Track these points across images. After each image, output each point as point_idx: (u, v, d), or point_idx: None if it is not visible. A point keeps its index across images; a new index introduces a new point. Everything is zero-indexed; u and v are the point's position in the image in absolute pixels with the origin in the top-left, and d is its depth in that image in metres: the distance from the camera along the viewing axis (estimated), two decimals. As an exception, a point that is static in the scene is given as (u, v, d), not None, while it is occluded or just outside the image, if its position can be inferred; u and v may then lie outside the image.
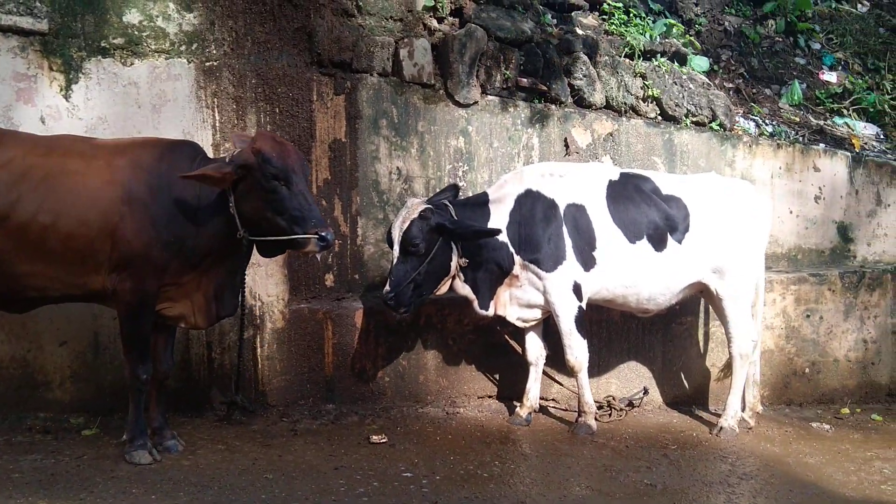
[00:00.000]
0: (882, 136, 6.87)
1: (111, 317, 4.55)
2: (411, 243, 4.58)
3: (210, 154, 4.69)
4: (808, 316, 5.93)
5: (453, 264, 4.77)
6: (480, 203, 4.94)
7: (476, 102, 5.52)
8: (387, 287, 4.61)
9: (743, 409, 5.25)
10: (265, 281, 4.99)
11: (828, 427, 5.40)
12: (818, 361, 5.98)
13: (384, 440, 4.64)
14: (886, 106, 7.01)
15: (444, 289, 4.84)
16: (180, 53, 4.78)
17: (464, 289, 4.88)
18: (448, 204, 4.81)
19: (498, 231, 4.70)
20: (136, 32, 4.70)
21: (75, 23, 4.57)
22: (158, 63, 4.73)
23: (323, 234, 3.83)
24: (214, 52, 4.84)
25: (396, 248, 4.64)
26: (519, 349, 5.38)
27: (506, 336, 5.44)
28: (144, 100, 4.72)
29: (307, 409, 5.08)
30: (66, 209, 3.75)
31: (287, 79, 4.99)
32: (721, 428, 5.11)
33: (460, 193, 5.20)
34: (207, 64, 4.82)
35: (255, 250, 4.13)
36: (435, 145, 5.46)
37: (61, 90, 4.58)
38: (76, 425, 4.52)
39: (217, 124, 4.87)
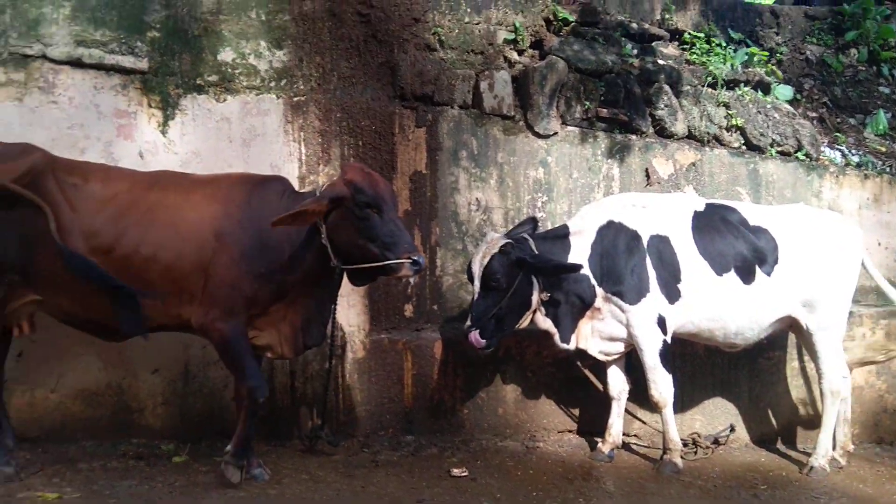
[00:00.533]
0: (975, 166, 6.58)
1: (201, 346, 4.67)
2: (492, 278, 4.57)
3: (296, 186, 4.82)
4: (900, 351, 5.68)
5: (534, 298, 4.74)
6: (561, 236, 4.90)
7: (556, 133, 5.52)
8: (468, 322, 4.60)
9: (833, 448, 5.05)
10: (347, 311, 5.04)
11: (924, 468, 5.15)
12: (912, 399, 5.72)
13: (465, 473, 4.60)
14: (978, 134, 6.73)
15: (525, 323, 4.80)
16: (270, 89, 4.93)
17: (545, 322, 4.84)
18: (528, 237, 4.79)
19: (579, 266, 4.66)
20: (229, 70, 4.87)
21: (173, 61, 4.77)
22: (249, 99, 4.89)
23: (415, 258, 3.91)
24: (302, 87, 4.98)
25: (477, 282, 4.63)
26: (599, 383, 5.30)
27: (586, 370, 5.36)
28: (235, 134, 4.87)
29: (387, 439, 5.09)
30: (166, 242, 3.90)
31: (371, 112, 5.09)
32: (812, 467, 4.92)
33: (539, 225, 5.18)
34: (295, 99, 4.96)
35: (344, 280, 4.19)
36: (514, 176, 5.47)
37: (159, 126, 4.76)
38: (167, 451, 4.61)
39: (303, 157, 4.99)
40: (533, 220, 5.11)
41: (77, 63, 4.63)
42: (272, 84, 4.93)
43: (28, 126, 4.58)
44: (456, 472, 4.61)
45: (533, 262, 4.60)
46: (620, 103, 5.70)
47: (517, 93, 5.49)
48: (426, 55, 5.28)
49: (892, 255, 6.02)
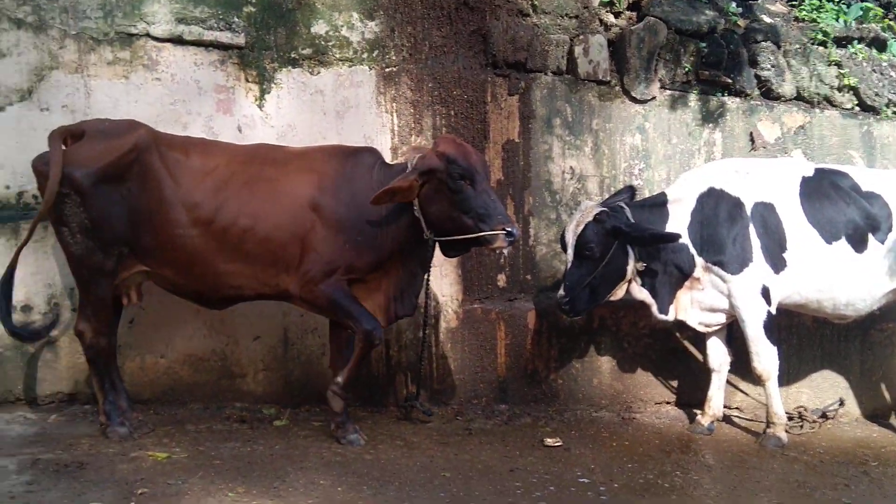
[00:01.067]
0: None
1: (299, 314, 4.80)
2: (586, 247, 4.50)
3: (389, 157, 4.85)
4: None
5: (629, 268, 4.64)
6: (658, 204, 4.76)
7: (654, 98, 5.34)
8: (561, 291, 4.56)
9: (953, 424, 4.77)
10: (440, 281, 5.07)
11: None
12: None
13: (559, 443, 4.58)
14: None
15: (620, 293, 4.71)
16: (362, 61, 4.96)
17: (641, 293, 4.73)
18: (624, 206, 4.67)
19: (677, 236, 4.51)
20: (322, 42, 4.92)
21: (269, 35, 4.85)
22: (342, 71, 4.93)
23: (509, 228, 3.91)
24: (394, 58, 4.98)
25: (571, 251, 4.58)
26: (698, 354, 5.15)
27: (684, 341, 5.22)
28: (329, 106, 4.94)
29: (480, 408, 5.11)
30: (263, 214, 4.01)
31: (462, 81, 5.06)
32: (930, 446, 4.66)
33: (637, 194, 5.04)
34: (387, 70, 4.97)
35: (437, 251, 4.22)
36: (609, 143, 5.34)
37: (256, 100, 4.87)
38: (268, 416, 4.79)
39: (395, 128, 5.01)
40: (630, 189, 4.98)
41: (178, 40, 4.77)
42: (364, 55, 4.96)
43: (134, 103, 4.77)
44: (549, 441, 4.60)
45: (628, 231, 4.49)
46: (723, 64, 5.44)
47: (613, 57, 5.33)
48: (519, 21, 5.18)
49: None
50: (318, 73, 4.91)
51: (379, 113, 4.98)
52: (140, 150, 3.99)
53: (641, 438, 4.78)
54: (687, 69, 5.39)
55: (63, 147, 3.98)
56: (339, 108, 4.94)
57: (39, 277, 4.72)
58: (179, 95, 4.81)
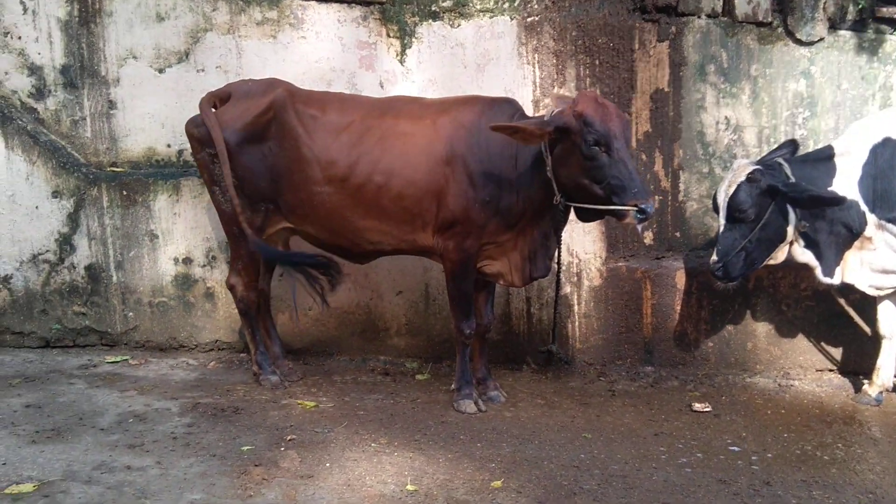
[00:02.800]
0: None
1: (440, 270, 4.79)
2: (739, 209, 4.17)
3: (530, 111, 4.72)
4: None
5: (790, 229, 4.28)
6: (824, 158, 4.34)
7: (822, 39, 4.86)
8: (714, 257, 4.27)
9: None
10: (582, 238, 4.92)
11: None
12: None
13: (708, 409, 4.38)
14: None
15: (780, 256, 4.37)
16: (503, 11, 4.82)
17: (804, 255, 4.36)
18: (783, 162, 4.30)
19: (841, 199, 4.08)
20: (462, -7, 4.83)
21: (409, -11, 4.82)
22: (483, 23, 4.82)
23: (643, 206, 3.58)
24: (536, 6, 4.81)
25: (723, 214, 4.27)
26: (866, 322, 4.73)
27: (849, 308, 4.79)
28: (469, 60, 4.85)
29: (624, 369, 4.96)
30: (397, 170, 3.99)
31: (608, 28, 4.81)
32: None
33: (800, 147, 4.63)
34: (529, 20, 4.81)
35: (572, 214, 4.04)
36: (770, 90, 4.93)
37: (397, 55, 4.87)
38: (411, 369, 4.88)
39: (537, 80, 4.86)
40: (793, 143, 4.56)
41: (322, -2, 4.84)
42: (506, 5, 4.82)
43: (281, 62, 4.90)
44: (698, 406, 4.40)
45: (786, 190, 4.12)
46: (904, -1, 4.87)
47: (776, -5, 4.89)
48: (670, -40, 4.85)
49: None
50: (459, 25, 4.83)
51: (520, 65, 4.84)
52: (277, 109, 4.09)
53: (799, 407, 4.48)
54: (861, 5, 4.85)
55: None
56: (480, 60, 4.85)
57: (198, 231, 4.99)
58: (324, 53, 4.89)
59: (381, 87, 4.86)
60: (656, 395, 4.62)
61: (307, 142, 4.08)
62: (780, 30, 4.88)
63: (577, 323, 4.98)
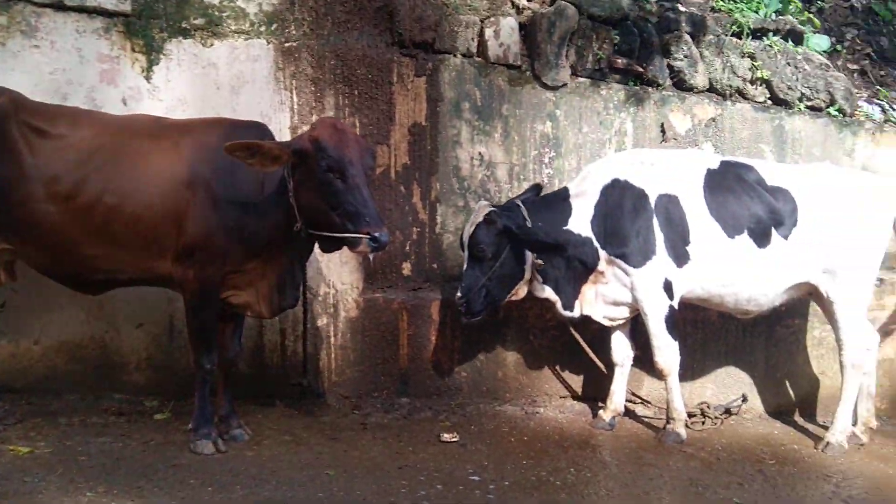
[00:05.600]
0: None
1: (185, 300, 4.54)
2: (478, 248, 4.42)
3: (287, 137, 4.61)
4: (932, 322, 5.33)
5: (527, 267, 4.54)
6: (560, 199, 4.65)
7: (565, 84, 5.19)
8: (458, 293, 4.46)
9: (854, 424, 4.77)
10: (340, 268, 4.86)
11: (953, 447, 4.83)
12: (944, 373, 5.36)
13: (455, 439, 4.44)
14: None
15: (521, 292, 4.64)
16: (260, 34, 4.69)
17: (543, 291, 4.63)
18: (520, 204, 4.56)
19: (562, 245, 4.45)
20: (216, 13, 4.64)
21: (157, 3, 4.54)
22: (238, 44, 4.66)
23: (376, 234, 3.52)
24: (294, 32, 4.73)
25: (466, 252, 4.49)
26: (598, 352, 5.04)
27: (578, 337, 5.07)
28: (223, 81, 4.66)
29: (380, 402, 4.93)
30: (132, 191, 3.70)
31: (367, 60, 4.83)
32: (828, 443, 4.64)
33: (546, 187, 4.92)
34: (287, 45, 4.71)
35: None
36: (520, 130, 5.18)
37: (143, 71, 4.57)
38: (150, 408, 4.52)
39: (295, 106, 4.76)
40: (537, 187, 4.91)
41: (59, 6, 4.43)
42: (262, 28, 4.69)
43: (10, 71, 4.42)
44: (446, 437, 4.45)
45: (518, 232, 4.39)
46: (636, 53, 5.33)
47: (525, 41, 5.17)
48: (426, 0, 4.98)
49: (932, 219, 5.58)
50: (212, 45, 4.63)
51: (277, 90, 4.72)
52: None
53: (542, 433, 4.67)
54: (599, 56, 5.26)
55: None
56: (235, 83, 4.67)
57: None
58: (60, 64, 4.49)
59: (125, 104, 4.53)
60: (408, 427, 4.62)
61: (29, 156, 3.70)
62: (528, 73, 5.16)
63: (332, 355, 4.89)
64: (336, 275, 4.87)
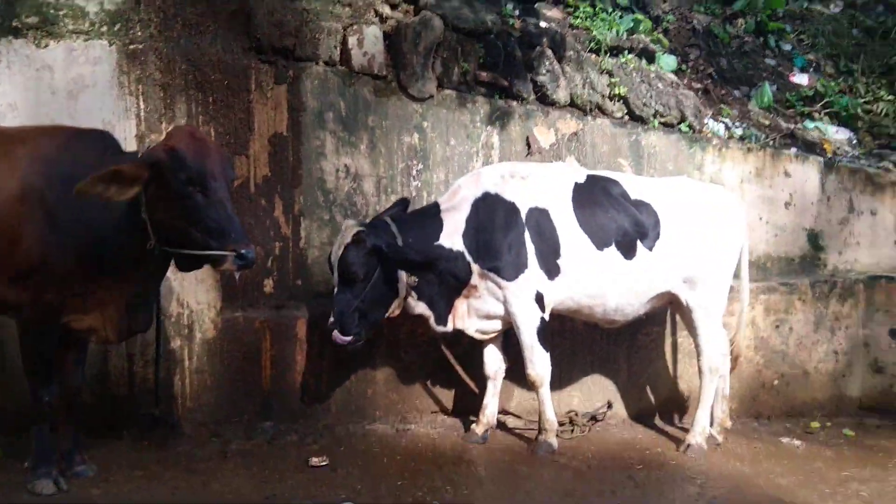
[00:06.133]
0: (855, 142, 6.59)
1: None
2: (348, 270, 4.24)
3: (133, 146, 4.26)
4: (777, 326, 5.65)
5: (401, 285, 4.41)
6: (431, 214, 4.57)
7: (432, 97, 5.13)
8: (331, 318, 4.26)
9: (711, 425, 4.95)
10: (195, 287, 4.55)
11: (798, 443, 5.10)
12: (787, 373, 5.68)
13: (325, 463, 4.23)
14: (860, 110, 6.73)
15: (397, 311, 4.51)
16: (101, 35, 4.33)
17: (418, 307, 4.54)
18: (390, 222, 4.44)
19: (431, 264, 4.34)
20: (51, 11, 4.26)
21: (-16, -1, 4.11)
22: (76, 45, 4.29)
23: (243, 251, 3.28)
24: (140, 33, 4.40)
25: (336, 275, 4.30)
26: (466, 367, 5.02)
27: (447, 352, 5.02)
28: (59, 85, 4.27)
29: (241, 427, 4.64)
30: None
31: (222, 65, 4.57)
32: (689, 445, 4.79)
33: (413, 201, 4.82)
34: (132, 47, 4.37)
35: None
36: (386, 142, 5.07)
37: (-34, 73, 4.10)
38: (-21, 447, 4.04)
39: (142, 113, 4.42)
40: (404, 202, 4.79)
41: None
42: (104, 29, 4.33)
43: None
44: (315, 461, 4.24)
45: (388, 251, 4.26)
46: (501, 67, 5.36)
47: (389, 51, 5.06)
48: (286, 4, 4.76)
49: (773, 229, 5.93)
50: (47, 45, 4.24)
51: (121, 95, 4.37)
52: None
53: (415, 451, 4.55)
54: (465, 69, 5.24)
55: None
56: (72, 87, 4.29)
57: None
58: None
59: (-54, 109, 4.05)
60: (273, 453, 4.38)
61: None
62: (394, 84, 5.06)
63: (187, 380, 4.56)
64: (191, 294, 4.55)
